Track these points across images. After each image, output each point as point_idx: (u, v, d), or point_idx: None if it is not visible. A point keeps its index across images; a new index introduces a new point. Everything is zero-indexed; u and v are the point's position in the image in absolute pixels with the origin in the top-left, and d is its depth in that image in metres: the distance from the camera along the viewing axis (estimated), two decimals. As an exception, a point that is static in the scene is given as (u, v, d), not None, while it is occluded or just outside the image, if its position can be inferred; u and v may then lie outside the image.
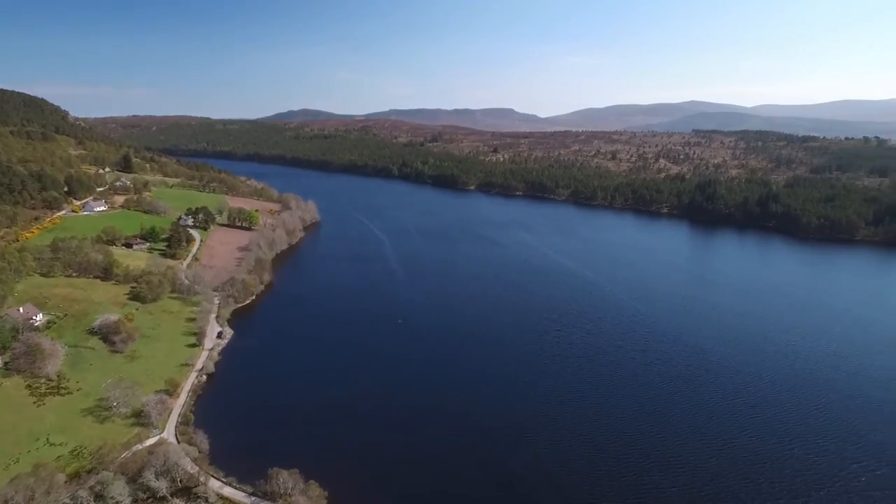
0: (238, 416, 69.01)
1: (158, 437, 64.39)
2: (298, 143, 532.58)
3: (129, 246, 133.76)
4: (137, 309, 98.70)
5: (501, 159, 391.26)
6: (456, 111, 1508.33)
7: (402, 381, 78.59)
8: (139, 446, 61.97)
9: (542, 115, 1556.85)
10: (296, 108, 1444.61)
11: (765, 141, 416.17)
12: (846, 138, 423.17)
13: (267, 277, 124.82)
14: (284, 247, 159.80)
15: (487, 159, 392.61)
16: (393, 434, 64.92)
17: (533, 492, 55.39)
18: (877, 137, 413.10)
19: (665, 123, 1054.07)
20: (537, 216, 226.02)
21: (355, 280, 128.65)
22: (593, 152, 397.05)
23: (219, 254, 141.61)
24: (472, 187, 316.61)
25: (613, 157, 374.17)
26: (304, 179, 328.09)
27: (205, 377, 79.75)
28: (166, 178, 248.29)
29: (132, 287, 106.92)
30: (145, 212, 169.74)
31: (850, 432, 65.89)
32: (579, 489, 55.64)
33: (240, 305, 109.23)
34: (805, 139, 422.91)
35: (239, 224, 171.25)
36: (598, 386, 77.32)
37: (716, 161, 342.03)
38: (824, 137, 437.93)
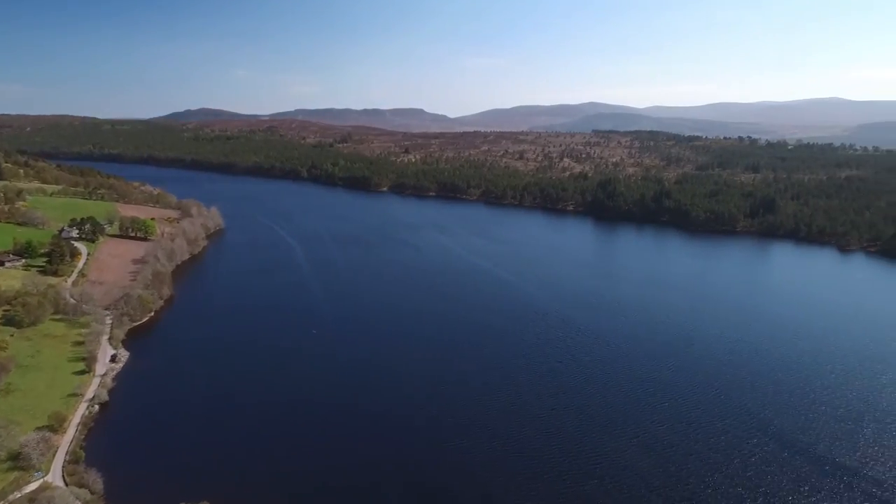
0: (137, 448, 63.31)
1: (42, 480, 57.51)
2: (198, 145, 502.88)
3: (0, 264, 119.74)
4: (12, 335, 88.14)
5: (413, 160, 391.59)
6: (365, 111, 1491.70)
7: (316, 398, 75.69)
8: (17, 494, 55.03)
9: (452, 115, 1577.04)
10: (193, 107, 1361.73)
11: (656, 141, 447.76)
12: (724, 138, 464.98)
13: (166, 292, 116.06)
14: (186, 257, 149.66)
15: (399, 160, 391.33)
16: (307, 457, 62.25)
17: (459, 498, 55.47)
18: (749, 137, 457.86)
19: (567, 124, 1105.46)
20: (451, 217, 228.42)
21: (265, 290, 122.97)
22: (502, 152, 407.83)
23: (110, 268, 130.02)
24: (385, 189, 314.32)
25: (521, 157, 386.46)
26: (206, 184, 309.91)
27: (97, 407, 72.31)
28: (45, 186, 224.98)
29: (5, 310, 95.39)
30: (19, 224, 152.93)
31: (744, 412, 71.80)
32: (503, 489, 56.38)
33: (136, 324, 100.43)
34: (690, 139, 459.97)
35: (133, 234, 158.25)
36: (517, 385, 79.04)
37: (614, 160, 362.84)
38: (706, 137, 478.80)
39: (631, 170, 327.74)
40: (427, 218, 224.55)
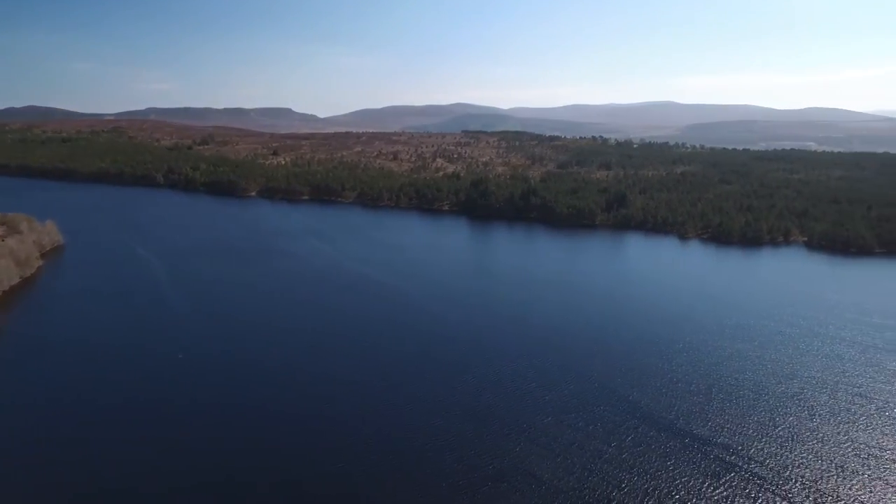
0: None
1: None
2: (27, 148, 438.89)
3: None
4: None
5: (283, 162, 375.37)
6: (228, 111, 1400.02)
7: (182, 435, 69.31)
8: None
9: (322, 115, 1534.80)
10: (18, 104, 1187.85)
11: (521, 140, 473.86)
12: (580, 137, 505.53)
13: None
14: (15, 281, 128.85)
15: (268, 163, 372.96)
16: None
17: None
18: (601, 137, 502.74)
19: (438, 124, 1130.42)
20: (328, 221, 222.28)
21: (119, 313, 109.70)
22: (376, 153, 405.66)
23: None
24: (253, 193, 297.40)
25: (395, 158, 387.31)
26: (39, 193, 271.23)
27: None
28: None
29: None
30: None
31: (617, 398, 77.80)
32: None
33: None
34: (552, 138, 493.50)
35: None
36: (396, 394, 78.66)
37: (484, 159, 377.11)
38: (565, 137, 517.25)
39: (500, 169, 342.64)
40: (302, 223, 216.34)
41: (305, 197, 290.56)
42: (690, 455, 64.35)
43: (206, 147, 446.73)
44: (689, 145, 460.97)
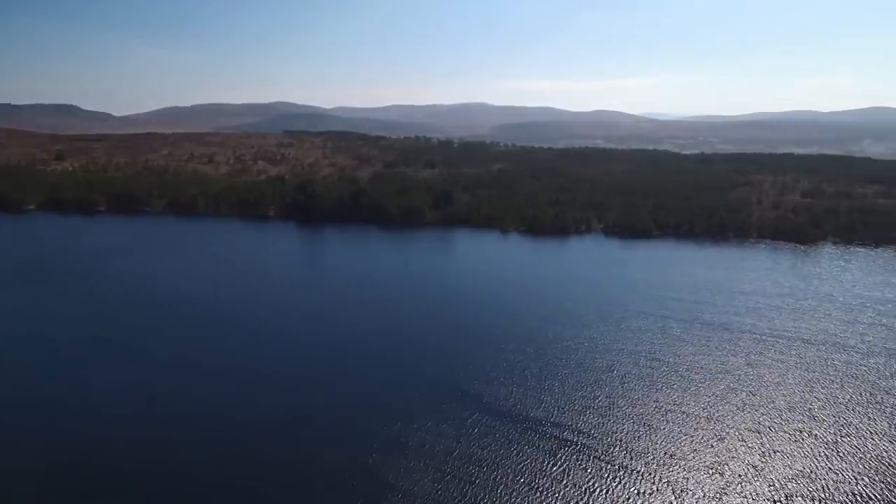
0: None
1: None
2: None
3: None
4: None
5: (71, 168, 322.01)
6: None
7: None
8: None
9: (118, 113, 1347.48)
10: None
11: (347, 141, 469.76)
12: (405, 137, 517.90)
13: None
14: None
15: (51, 169, 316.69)
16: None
17: None
18: (424, 137, 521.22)
19: (256, 124, 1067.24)
20: (134, 235, 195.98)
21: None
22: (187, 156, 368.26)
23: None
24: (33, 206, 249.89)
25: (211, 161, 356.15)
26: None
27: None
28: None
29: None
30: None
31: (458, 391, 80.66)
32: None
33: None
34: (377, 139, 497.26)
35: None
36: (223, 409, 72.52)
37: (309, 161, 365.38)
38: (390, 137, 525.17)
39: (327, 170, 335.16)
40: (102, 240, 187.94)
41: (102, 208, 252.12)
42: (530, 437, 69.39)
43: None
44: (502, 144, 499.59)
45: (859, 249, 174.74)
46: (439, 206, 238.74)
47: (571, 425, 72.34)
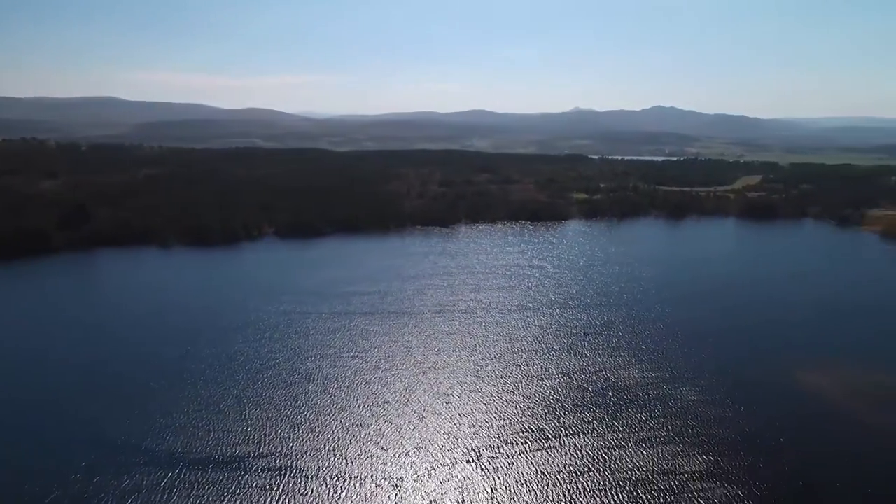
0: None
1: None
2: None
3: None
4: None
5: None
6: None
7: None
8: None
9: None
10: None
11: None
12: (4, 140, 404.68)
13: None
14: None
15: None
16: None
17: None
18: (35, 138, 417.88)
19: None
20: None
21: None
22: None
23: None
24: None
25: None
26: None
27: None
28: None
29: None
30: None
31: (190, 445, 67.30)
32: None
33: None
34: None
35: None
36: None
37: None
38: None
39: None
40: None
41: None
42: (240, 477, 63.05)
43: None
44: (147, 146, 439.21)
45: (482, 226, 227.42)
46: (71, 226, 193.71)
47: (282, 452, 68.46)
